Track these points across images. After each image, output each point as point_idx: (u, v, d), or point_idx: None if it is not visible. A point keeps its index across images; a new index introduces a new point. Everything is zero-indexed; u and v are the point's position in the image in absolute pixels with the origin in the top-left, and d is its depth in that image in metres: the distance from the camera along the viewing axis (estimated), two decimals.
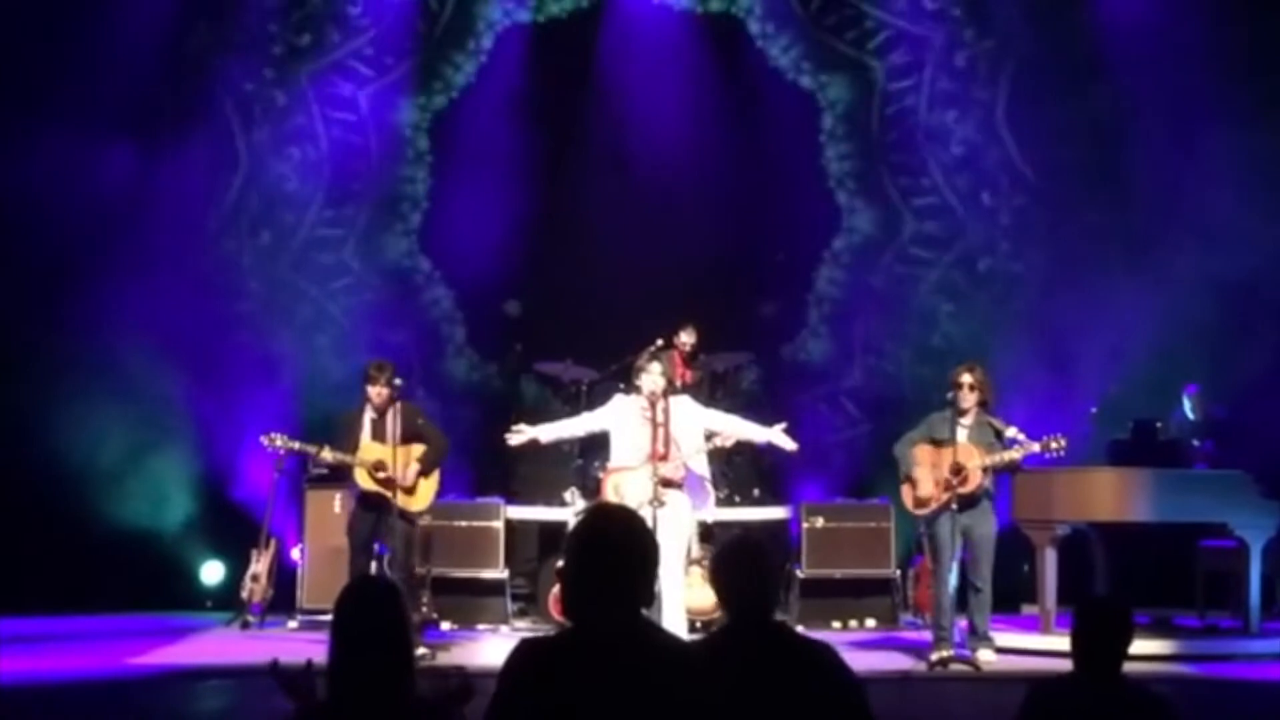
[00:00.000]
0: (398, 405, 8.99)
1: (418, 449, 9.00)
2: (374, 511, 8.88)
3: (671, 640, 3.53)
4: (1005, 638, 9.06)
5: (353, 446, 8.92)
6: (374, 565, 8.92)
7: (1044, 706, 4.17)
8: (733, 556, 4.02)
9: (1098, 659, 4.15)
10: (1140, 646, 8.62)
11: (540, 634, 3.41)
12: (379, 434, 8.97)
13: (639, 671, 3.23)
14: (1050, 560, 9.40)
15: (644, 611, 3.40)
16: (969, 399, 8.79)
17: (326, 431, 9.26)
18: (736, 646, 3.81)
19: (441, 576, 10.14)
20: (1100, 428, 10.52)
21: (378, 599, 3.56)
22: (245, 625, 10.32)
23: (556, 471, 10.88)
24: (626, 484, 8.41)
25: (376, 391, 8.93)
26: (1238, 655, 9.09)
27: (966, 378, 8.81)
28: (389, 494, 8.82)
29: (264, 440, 9.07)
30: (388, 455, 8.86)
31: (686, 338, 10.93)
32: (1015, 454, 8.69)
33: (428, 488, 9.06)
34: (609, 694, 3.19)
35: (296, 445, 9.05)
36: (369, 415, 9.01)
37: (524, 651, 3.33)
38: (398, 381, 8.94)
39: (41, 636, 9.67)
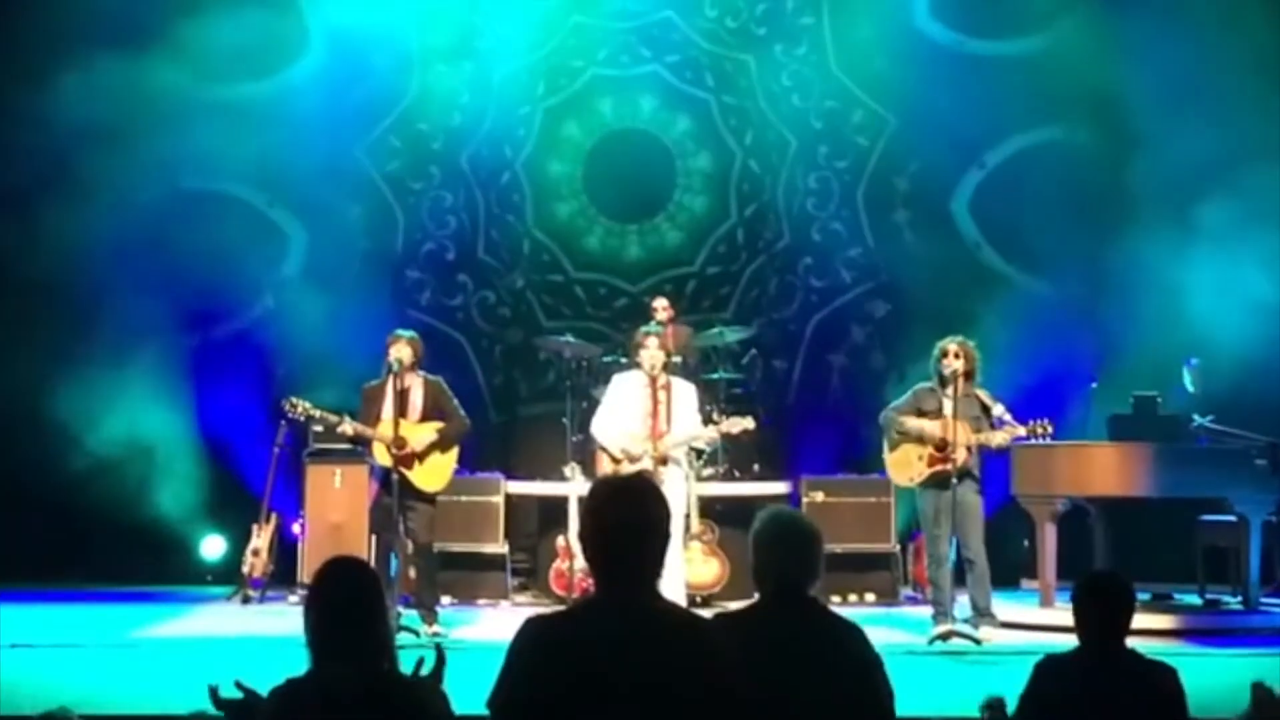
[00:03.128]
0: (421, 379, 8.89)
1: (438, 424, 8.80)
2: (395, 491, 8.57)
3: (683, 613, 3.52)
4: (1005, 612, 9.05)
5: (374, 420, 8.68)
6: (398, 545, 8.71)
7: (1051, 681, 4.20)
8: (778, 531, 3.92)
9: (1101, 633, 4.18)
10: (1141, 622, 8.56)
11: (546, 610, 3.40)
12: (402, 407, 8.70)
13: (649, 642, 3.23)
14: (1050, 535, 9.39)
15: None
16: (953, 367, 8.62)
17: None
18: (772, 621, 3.78)
19: (441, 551, 10.09)
20: (1100, 402, 10.50)
21: (352, 578, 3.57)
22: (246, 600, 10.35)
23: (556, 446, 10.87)
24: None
25: (395, 354, 8.67)
26: (1238, 630, 9.10)
27: (950, 345, 8.69)
28: (406, 470, 8.62)
29: (287, 405, 8.97)
30: (408, 431, 8.66)
31: (660, 308, 10.92)
32: (1001, 437, 8.62)
33: (443, 466, 8.81)
34: (618, 666, 3.18)
35: (319, 413, 8.88)
36: (391, 388, 8.71)
37: (531, 628, 3.32)
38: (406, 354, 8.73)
39: (41, 608, 9.69)
